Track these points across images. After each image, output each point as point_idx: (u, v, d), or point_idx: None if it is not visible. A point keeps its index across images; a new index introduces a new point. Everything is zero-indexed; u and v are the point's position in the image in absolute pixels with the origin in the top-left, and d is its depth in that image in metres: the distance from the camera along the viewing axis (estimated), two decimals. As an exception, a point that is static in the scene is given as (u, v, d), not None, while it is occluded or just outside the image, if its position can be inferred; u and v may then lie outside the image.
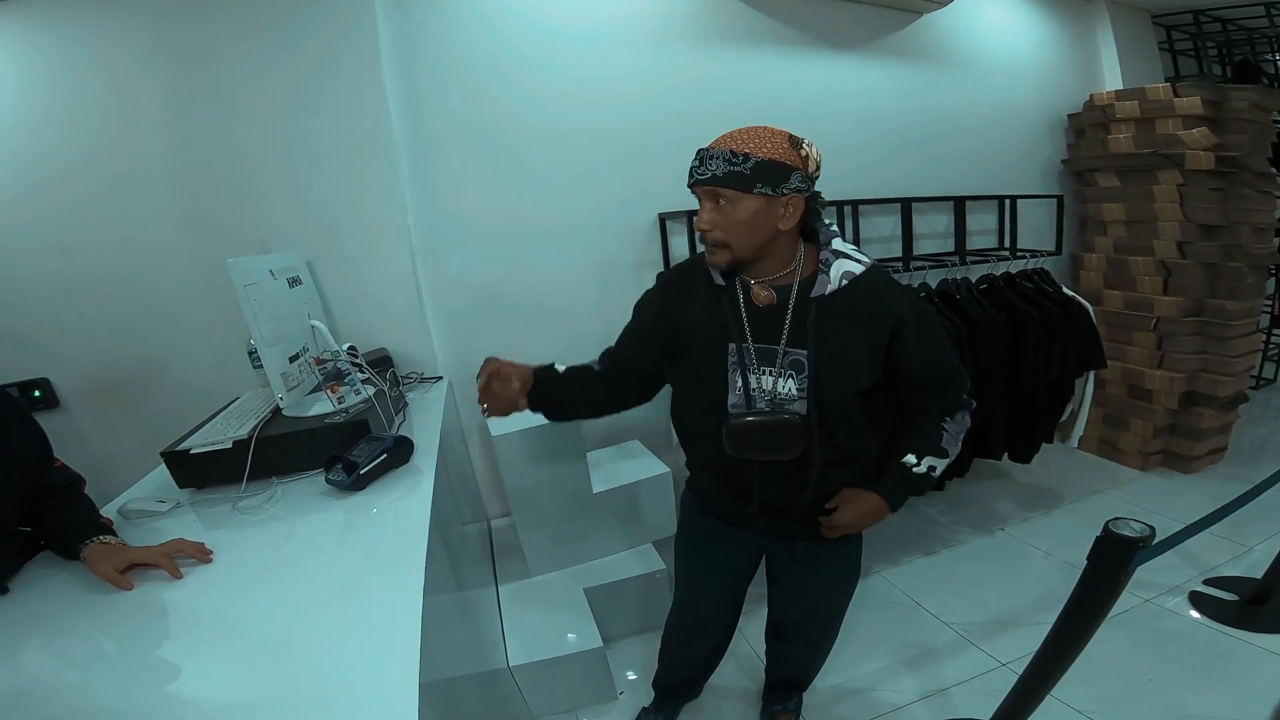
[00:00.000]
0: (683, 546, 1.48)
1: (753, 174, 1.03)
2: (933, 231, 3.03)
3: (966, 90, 3.03)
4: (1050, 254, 2.87)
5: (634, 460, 2.29)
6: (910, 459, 1.21)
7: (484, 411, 1.26)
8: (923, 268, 2.58)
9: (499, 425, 1.95)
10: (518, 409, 1.26)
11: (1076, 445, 2.79)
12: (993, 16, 3.08)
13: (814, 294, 1.10)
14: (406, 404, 1.82)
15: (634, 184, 2.38)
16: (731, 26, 2.48)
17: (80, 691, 0.80)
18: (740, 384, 1.15)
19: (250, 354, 1.81)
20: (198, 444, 1.37)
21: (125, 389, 2.03)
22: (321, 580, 1.02)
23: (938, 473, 1.23)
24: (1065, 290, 2.58)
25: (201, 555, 1.07)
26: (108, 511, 1.24)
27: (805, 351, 1.10)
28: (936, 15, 2.87)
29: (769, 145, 1.04)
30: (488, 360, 1.25)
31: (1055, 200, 3.01)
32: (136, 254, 1.96)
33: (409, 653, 0.79)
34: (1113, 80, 3.38)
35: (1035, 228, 3.18)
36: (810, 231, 1.17)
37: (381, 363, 1.88)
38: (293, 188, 1.98)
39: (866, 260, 1.13)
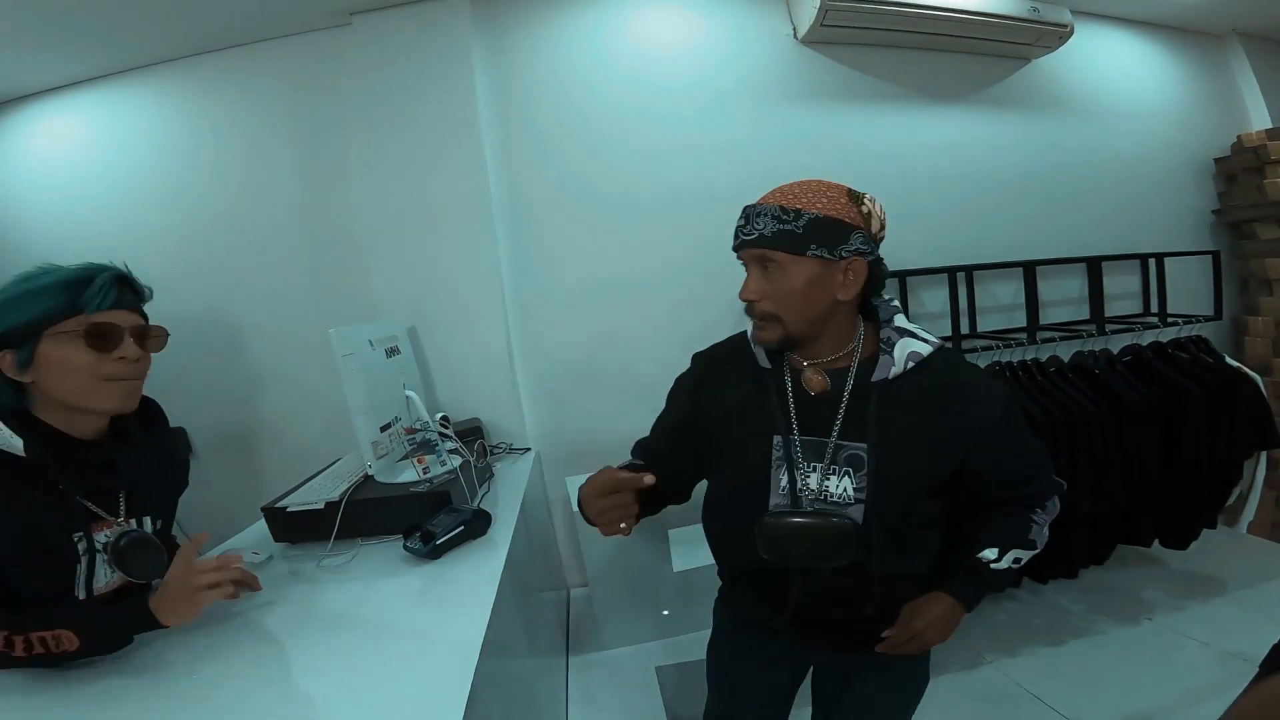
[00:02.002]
0: (714, 664, 1.30)
1: (806, 233, 0.90)
2: (1063, 298, 2.74)
3: (1091, 139, 2.80)
4: (1208, 319, 2.52)
5: None
6: (990, 554, 1.02)
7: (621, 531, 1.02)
8: (1052, 339, 2.34)
9: (581, 501, 1.93)
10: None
11: (1245, 530, 2.39)
12: (1109, 59, 2.86)
13: (875, 378, 0.95)
14: (493, 474, 1.84)
15: (727, 252, 2.32)
16: (825, 84, 2.44)
17: None
18: (785, 482, 0.98)
19: (353, 418, 1.93)
20: (294, 503, 1.44)
21: (247, 443, 2.22)
22: (383, 641, 1.02)
23: (1022, 564, 1.04)
24: (1229, 360, 2.24)
25: (251, 585, 1.13)
26: (209, 556, 1.31)
27: (864, 445, 0.94)
28: (1046, 60, 2.70)
29: (824, 200, 0.92)
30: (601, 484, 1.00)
31: (1210, 257, 2.68)
32: (267, 312, 2.18)
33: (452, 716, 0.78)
34: (1259, 119, 3.03)
35: (1188, 289, 2.82)
36: (869, 307, 1.02)
37: (472, 433, 1.93)
38: (399, 256, 2.11)
39: (934, 340, 0.98)
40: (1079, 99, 2.79)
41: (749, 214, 0.96)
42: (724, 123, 2.34)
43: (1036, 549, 1.04)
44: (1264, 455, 2.30)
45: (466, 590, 1.18)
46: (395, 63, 2.08)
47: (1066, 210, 2.75)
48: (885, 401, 0.95)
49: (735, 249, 0.99)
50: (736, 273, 2.25)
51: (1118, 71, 2.88)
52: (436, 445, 1.51)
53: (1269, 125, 2.96)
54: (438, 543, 1.30)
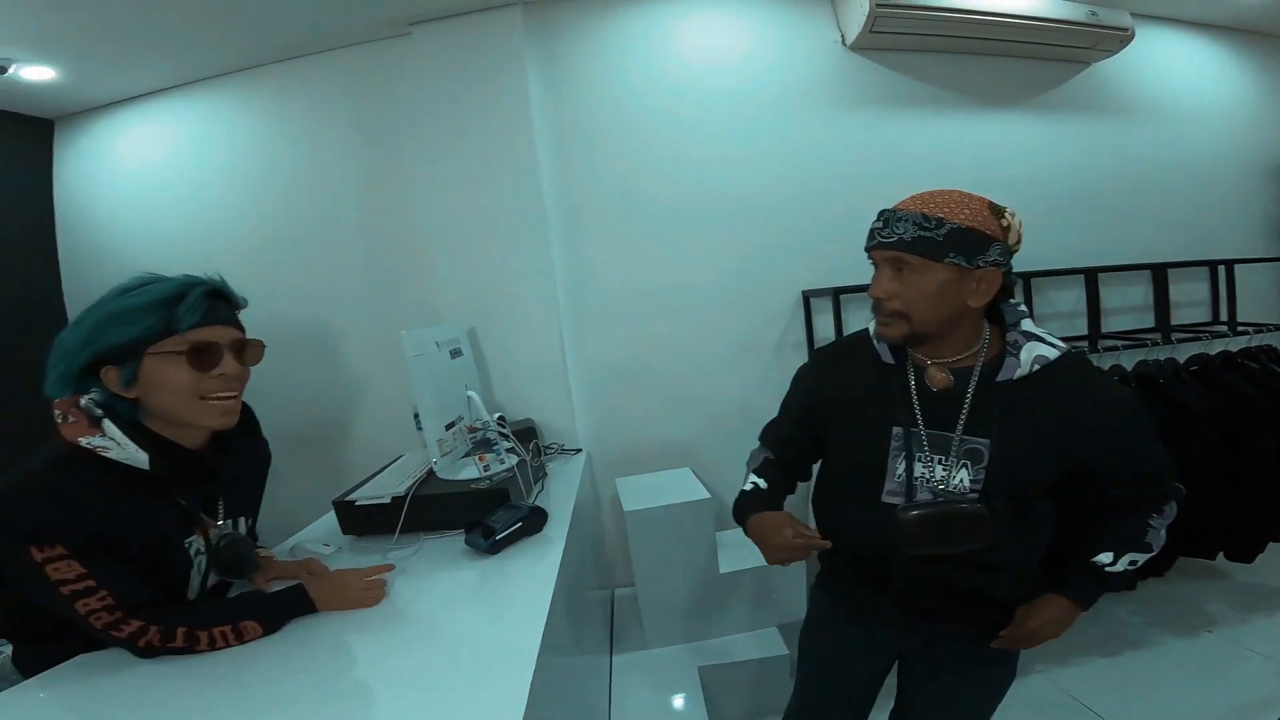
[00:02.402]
0: (808, 642, 1.35)
1: (946, 242, 0.94)
2: (1126, 305, 2.67)
3: (1153, 143, 2.71)
4: (1279, 328, 2.41)
5: None
6: (1105, 557, 1.05)
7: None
8: (1115, 347, 2.27)
9: (631, 500, 1.97)
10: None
11: None
12: (1171, 62, 2.76)
13: (1000, 378, 0.99)
14: (546, 474, 1.90)
15: (775, 260, 2.36)
16: (875, 91, 2.42)
17: None
18: (902, 471, 1.04)
19: (415, 417, 2.01)
20: (362, 497, 1.52)
21: (312, 441, 2.33)
22: (446, 632, 1.07)
23: (1138, 566, 1.06)
24: (1303, 370, 2.14)
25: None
26: (283, 547, 1.47)
27: (986, 440, 0.99)
28: (1106, 64, 2.62)
29: (967, 211, 0.96)
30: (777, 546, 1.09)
31: (1282, 263, 2.55)
32: (332, 313, 2.29)
33: (514, 707, 0.81)
34: None
35: (1259, 296, 2.72)
36: (994, 311, 1.06)
37: (526, 433, 1.99)
38: (457, 260, 2.20)
39: (1061, 345, 1.01)
40: (1141, 103, 2.71)
41: (887, 218, 1.00)
42: (772, 131, 2.35)
43: (1152, 552, 1.06)
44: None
45: (524, 586, 1.22)
46: (452, 72, 2.16)
47: (1129, 216, 2.66)
48: (1010, 400, 0.99)
49: (869, 249, 1.04)
50: (783, 280, 2.28)
51: (1180, 74, 2.78)
52: (496, 444, 1.57)
53: None
54: (497, 538, 1.36)
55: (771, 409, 2.10)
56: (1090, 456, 1.00)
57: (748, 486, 1.25)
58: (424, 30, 2.17)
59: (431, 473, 1.64)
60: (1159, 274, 2.53)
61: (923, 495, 1.03)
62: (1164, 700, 1.90)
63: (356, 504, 1.51)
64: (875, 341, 1.10)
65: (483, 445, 1.60)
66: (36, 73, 2.14)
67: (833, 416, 1.15)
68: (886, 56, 2.42)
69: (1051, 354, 0.98)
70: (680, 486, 2.05)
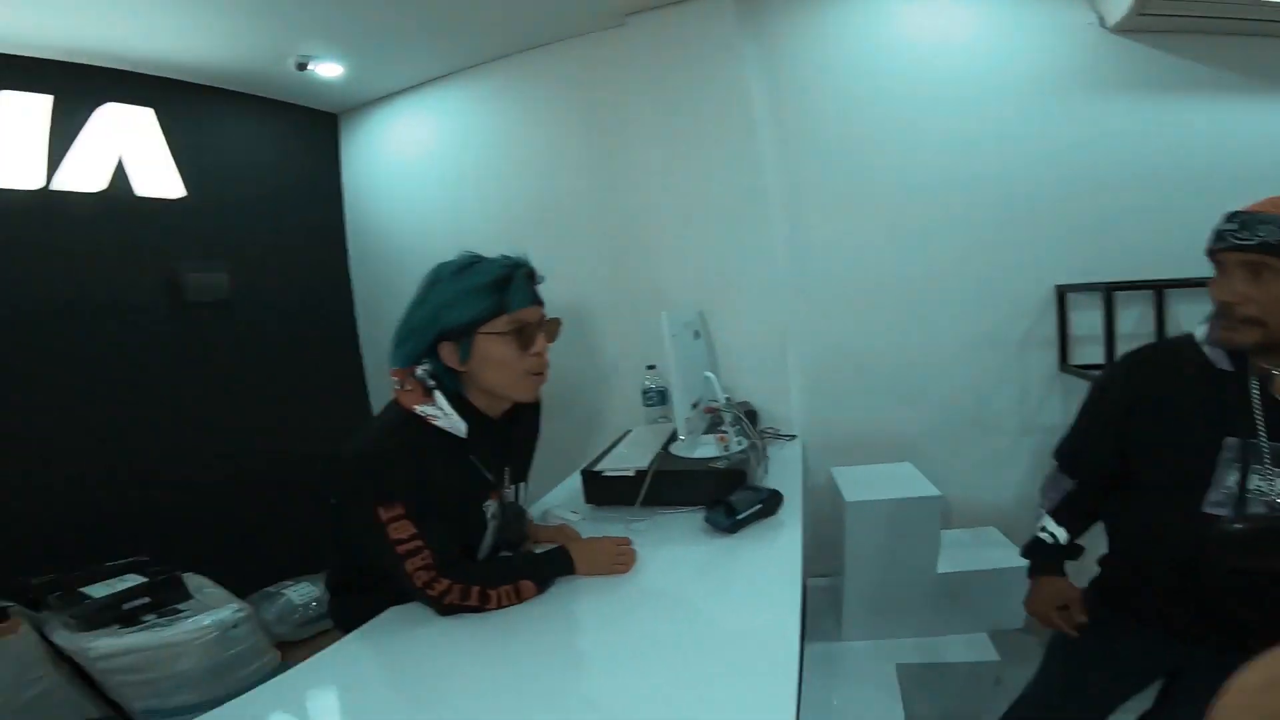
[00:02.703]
0: (1064, 652, 1.28)
1: None
2: None
3: None
4: None
5: (991, 548, 2.09)
6: None
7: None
8: None
9: (852, 491, 1.93)
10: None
11: None
12: None
13: None
14: (767, 458, 1.92)
15: (1024, 251, 2.14)
16: (1142, 76, 2.07)
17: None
18: (1232, 482, 0.99)
19: (644, 393, 2.13)
20: (608, 468, 1.65)
21: (546, 411, 2.56)
22: (697, 608, 1.13)
23: None
24: None
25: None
26: (533, 511, 1.58)
27: None
28: None
29: None
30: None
31: None
32: (574, 294, 2.47)
33: (786, 690, 0.83)
34: None
35: None
36: None
37: (750, 416, 2.02)
38: (683, 243, 2.28)
39: None
40: None
41: (1244, 220, 0.96)
42: (1014, 117, 2.12)
43: None
44: None
45: (769, 570, 1.24)
46: (665, 60, 2.22)
47: None
48: None
49: (1217, 249, 1.00)
50: (1031, 273, 2.07)
51: None
52: (736, 424, 1.61)
53: None
54: (739, 518, 1.40)
55: (1011, 409, 1.98)
56: None
57: (1045, 535, 1.26)
58: (638, 20, 2.25)
59: (666, 449, 1.73)
60: None
61: (1255, 509, 0.98)
62: None
63: (604, 474, 1.63)
64: (1207, 347, 1.05)
65: (716, 425, 1.66)
66: (328, 69, 2.50)
67: (1150, 424, 1.10)
68: (1156, 38, 2.06)
69: None
70: (905, 481, 1.97)
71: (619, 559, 1.22)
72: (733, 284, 2.23)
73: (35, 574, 1.92)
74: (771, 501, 1.47)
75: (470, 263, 1.12)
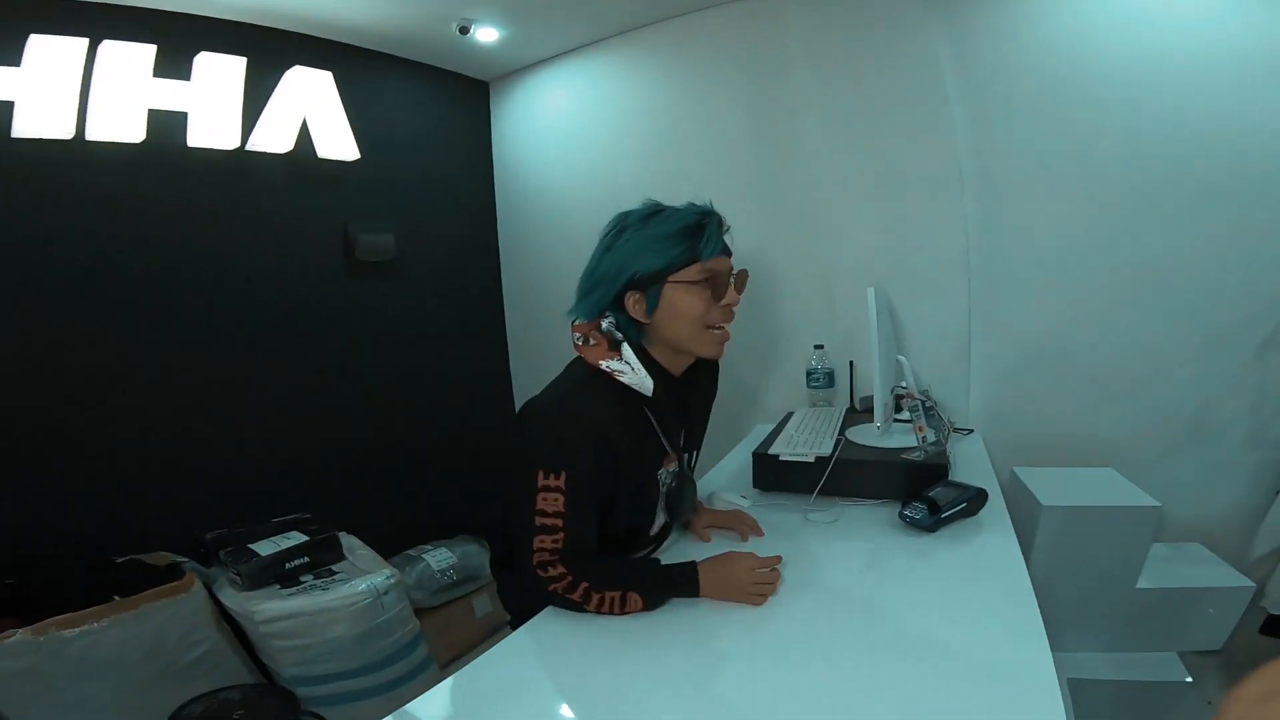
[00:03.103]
0: None
1: None
2: None
3: None
4: None
5: (1196, 565, 1.86)
6: None
7: None
8: None
9: (1048, 494, 1.74)
10: None
11: None
12: None
13: None
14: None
15: (1264, 241, 1.79)
16: None
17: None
18: None
19: (809, 374, 2.02)
20: (785, 452, 1.55)
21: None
22: (910, 624, 1.00)
23: None
24: None
25: (757, 530, 1.30)
26: (701, 496, 1.47)
27: None
28: None
29: None
30: None
31: None
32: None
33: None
34: None
35: None
36: None
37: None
38: (857, 218, 2.13)
39: None
40: None
41: None
42: (1254, 99, 1.76)
43: None
44: None
45: (986, 576, 1.12)
46: (838, 28, 2.07)
47: None
48: None
49: None
50: (1271, 266, 1.73)
51: None
52: (932, 411, 1.47)
53: None
54: (942, 515, 1.28)
55: (1239, 419, 1.72)
56: None
57: None
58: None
59: (844, 436, 1.62)
60: None
61: None
62: None
63: (780, 459, 1.54)
64: None
65: (917, 414, 1.52)
66: (486, 34, 2.47)
67: None
68: None
69: None
70: (1110, 488, 1.76)
71: (757, 586, 1.02)
72: (912, 265, 2.06)
73: (207, 530, 1.92)
74: (978, 500, 1.34)
75: (656, 210, 1.06)
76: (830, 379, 1.99)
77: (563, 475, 0.95)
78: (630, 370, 1.02)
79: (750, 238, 2.33)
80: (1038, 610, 1.00)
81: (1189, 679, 1.72)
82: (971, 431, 1.98)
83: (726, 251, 1.08)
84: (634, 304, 1.02)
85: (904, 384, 1.55)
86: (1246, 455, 1.91)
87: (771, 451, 1.57)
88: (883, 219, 2.08)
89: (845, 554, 1.26)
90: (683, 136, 2.45)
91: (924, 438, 1.43)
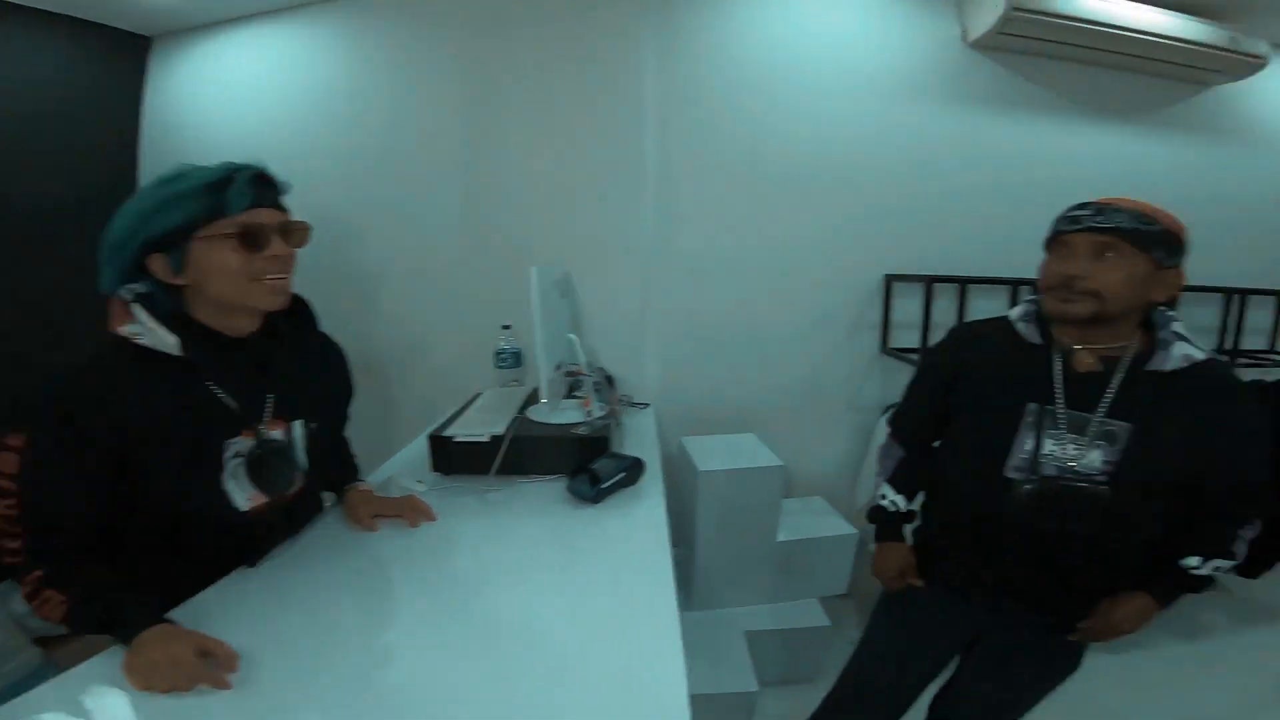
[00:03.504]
0: (888, 607, 1.40)
1: (1157, 238, 1.02)
2: (1191, 325, 2.63)
3: (1255, 171, 2.64)
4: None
5: (819, 517, 2.26)
6: (1193, 561, 1.10)
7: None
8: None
9: (703, 460, 1.97)
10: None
11: None
12: None
13: (1150, 366, 1.04)
14: (620, 425, 1.88)
15: (861, 241, 2.31)
16: (981, 88, 2.33)
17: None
18: (1030, 446, 1.09)
19: (498, 354, 1.98)
20: (460, 433, 1.50)
21: (382, 370, 2.30)
22: (573, 587, 1.06)
23: (1222, 572, 1.12)
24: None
25: (428, 515, 1.26)
26: (374, 481, 1.41)
27: (1126, 425, 1.03)
28: (1229, 88, 2.52)
29: (1170, 220, 1.04)
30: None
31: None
32: (417, 248, 2.24)
33: (675, 668, 0.82)
34: None
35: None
36: (1145, 316, 1.12)
37: (608, 383, 1.97)
38: (550, 202, 2.15)
39: (1207, 350, 1.06)
40: (1253, 130, 2.62)
41: (1100, 207, 1.05)
42: (882, 114, 2.27)
43: (1236, 560, 1.11)
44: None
45: (636, 538, 1.22)
46: (566, 19, 2.09)
47: (1216, 241, 2.59)
48: (1156, 390, 1.03)
49: (1070, 231, 1.07)
50: (867, 262, 2.23)
51: None
52: (599, 389, 1.55)
53: None
54: (603, 486, 1.35)
55: (838, 386, 2.13)
56: (1215, 459, 1.04)
57: (886, 503, 1.34)
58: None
59: (522, 413, 1.62)
60: (1230, 299, 2.53)
61: (1047, 471, 1.07)
62: (1165, 701, 2.02)
63: (454, 440, 1.48)
64: (1021, 325, 1.16)
65: (584, 390, 1.58)
66: None
67: (965, 392, 1.20)
68: (1008, 58, 2.33)
69: (1199, 355, 1.04)
70: (751, 451, 2.05)
71: (186, 678, 0.78)
72: (599, 248, 2.15)
73: None
74: (635, 470, 1.44)
75: (182, 172, 0.95)
76: (518, 359, 1.99)
77: (22, 434, 0.85)
78: (146, 330, 0.91)
79: (445, 216, 2.24)
80: (669, 566, 1.11)
81: (828, 622, 2.03)
82: (648, 405, 2.15)
83: (271, 205, 1.00)
84: (160, 266, 0.94)
85: (575, 362, 1.60)
86: (845, 417, 2.42)
87: (446, 434, 1.50)
88: (577, 204, 2.14)
89: (519, 529, 1.27)
90: (385, 113, 2.23)
91: (590, 412, 1.49)
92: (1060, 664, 1.24)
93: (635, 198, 2.14)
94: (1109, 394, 1.05)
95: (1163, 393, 1.03)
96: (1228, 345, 2.59)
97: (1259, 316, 2.66)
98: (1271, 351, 2.64)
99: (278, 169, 1.02)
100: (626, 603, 1.01)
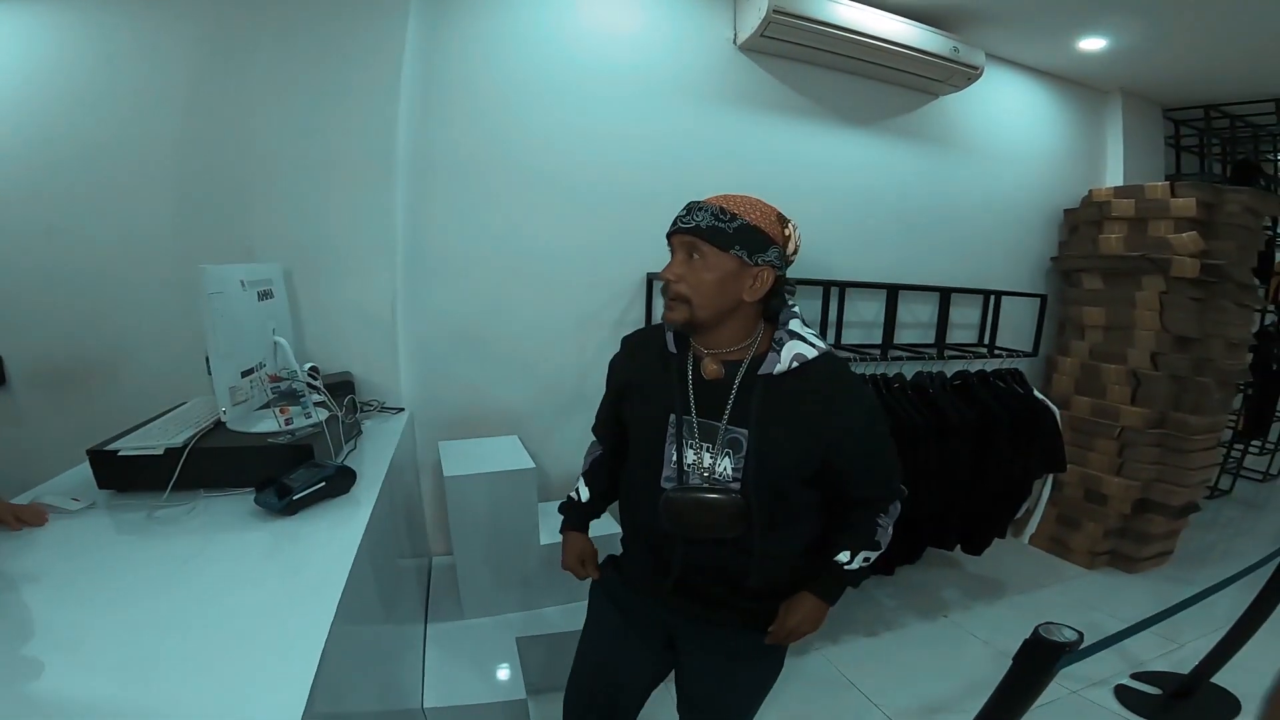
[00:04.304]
0: (593, 616, 1.38)
1: (735, 234, 1.02)
2: (915, 321, 3.05)
3: (969, 177, 3.08)
4: (1027, 355, 2.91)
5: None
6: (843, 556, 1.15)
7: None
8: (900, 358, 2.60)
9: (453, 465, 1.92)
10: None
11: (1028, 542, 2.89)
12: (1007, 104, 3.12)
13: (761, 371, 1.06)
14: (360, 432, 1.78)
15: (626, 238, 2.37)
16: (746, 89, 2.51)
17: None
18: (675, 458, 1.11)
19: (208, 360, 1.78)
20: (128, 446, 1.32)
21: (77, 379, 1.97)
22: (224, 599, 0.98)
23: (871, 561, 1.17)
24: (1036, 394, 2.61)
25: (33, 519, 1.15)
26: (21, 501, 1.23)
27: (745, 431, 1.06)
28: (952, 98, 2.91)
29: (757, 213, 1.05)
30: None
31: (1039, 300, 3.04)
32: (118, 244, 1.92)
33: (301, 680, 0.77)
34: (1115, 176, 3.41)
35: (1015, 326, 3.21)
36: (773, 314, 1.13)
37: (342, 387, 1.84)
38: (288, 196, 1.96)
39: (822, 346, 1.09)
40: (969, 139, 3.04)
41: (691, 207, 1.07)
42: (652, 114, 2.36)
43: (881, 549, 1.17)
44: (1051, 478, 2.72)
45: (323, 549, 1.15)
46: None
47: (933, 241, 3.02)
48: (768, 393, 1.05)
49: (670, 234, 1.09)
50: (630, 260, 2.32)
51: (1010, 117, 3.15)
52: (303, 396, 1.44)
53: (1121, 182, 3.32)
54: (294, 498, 1.25)
55: (603, 386, 2.13)
56: (833, 452, 1.07)
57: (574, 494, 1.37)
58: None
59: (220, 424, 1.46)
60: (944, 297, 2.91)
61: (693, 481, 1.09)
62: (910, 678, 2.24)
63: (119, 454, 1.30)
64: (668, 332, 1.15)
65: (287, 397, 1.46)
66: None
67: (629, 403, 1.21)
68: (769, 61, 2.53)
69: (810, 353, 1.06)
70: (505, 454, 2.03)
71: None
72: (340, 244, 2.00)
73: None
74: (340, 480, 1.35)
75: None
76: (236, 363, 1.80)
77: None
78: None
79: (163, 211, 1.95)
80: (345, 571, 1.05)
81: None
82: (402, 410, 2.05)
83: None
84: None
85: (284, 367, 1.48)
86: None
87: (111, 448, 1.31)
88: (314, 198, 1.98)
89: (189, 547, 1.15)
90: (96, 93, 1.88)
91: (287, 420, 1.38)
92: (760, 666, 1.25)
93: (384, 188, 2.02)
94: (730, 401, 1.07)
95: (772, 395, 1.05)
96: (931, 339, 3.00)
97: (969, 313, 3.12)
98: (979, 344, 3.10)
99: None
100: (277, 610, 0.94)
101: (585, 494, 1.36)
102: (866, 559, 1.17)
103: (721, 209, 1.04)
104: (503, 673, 1.82)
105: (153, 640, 0.85)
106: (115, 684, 0.77)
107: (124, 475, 1.32)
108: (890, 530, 1.18)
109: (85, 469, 1.40)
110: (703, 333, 1.09)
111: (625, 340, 1.29)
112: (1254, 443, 4.26)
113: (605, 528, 1.65)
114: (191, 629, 0.88)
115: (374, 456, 1.63)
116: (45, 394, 1.98)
